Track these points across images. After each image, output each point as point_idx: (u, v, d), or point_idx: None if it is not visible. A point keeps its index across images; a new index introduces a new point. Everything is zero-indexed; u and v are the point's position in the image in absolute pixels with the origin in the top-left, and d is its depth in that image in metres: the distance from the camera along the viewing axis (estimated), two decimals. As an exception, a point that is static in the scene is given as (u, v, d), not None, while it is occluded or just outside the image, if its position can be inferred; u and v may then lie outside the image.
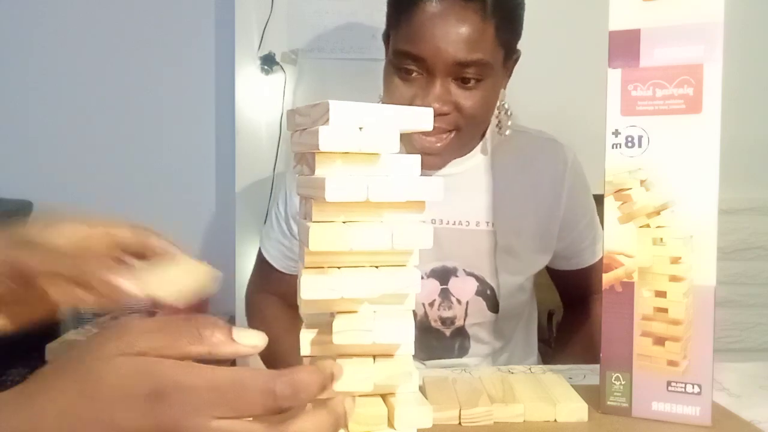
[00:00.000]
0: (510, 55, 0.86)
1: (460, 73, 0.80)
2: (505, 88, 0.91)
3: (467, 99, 0.81)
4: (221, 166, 1.92)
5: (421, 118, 0.44)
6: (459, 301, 0.92)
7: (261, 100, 1.69)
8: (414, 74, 0.81)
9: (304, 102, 0.47)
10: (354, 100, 0.42)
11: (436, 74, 0.79)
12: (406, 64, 0.81)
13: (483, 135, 0.93)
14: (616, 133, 0.57)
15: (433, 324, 0.93)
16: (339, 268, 0.43)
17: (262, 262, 1.02)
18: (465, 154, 0.92)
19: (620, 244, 0.57)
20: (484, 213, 0.92)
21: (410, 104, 0.82)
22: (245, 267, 1.73)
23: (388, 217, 0.43)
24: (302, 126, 0.46)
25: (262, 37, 1.66)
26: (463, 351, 0.94)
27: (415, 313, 0.91)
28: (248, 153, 1.70)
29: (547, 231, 0.94)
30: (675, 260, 0.55)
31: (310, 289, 0.41)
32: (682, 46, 0.54)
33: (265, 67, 1.65)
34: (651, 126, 0.55)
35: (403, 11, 0.81)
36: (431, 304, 0.92)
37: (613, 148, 0.57)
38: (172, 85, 1.90)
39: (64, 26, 1.88)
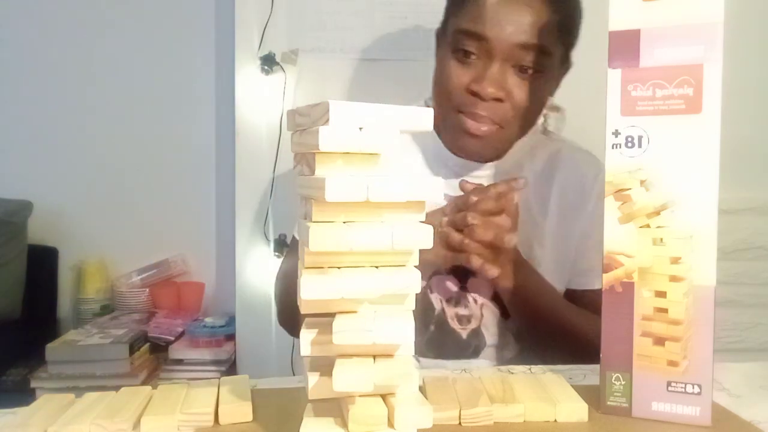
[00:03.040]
0: (565, 58, 0.86)
1: (520, 59, 0.80)
2: (552, 96, 0.90)
3: (521, 89, 0.81)
4: (221, 166, 1.92)
5: (421, 119, 0.44)
6: (476, 301, 0.92)
7: (261, 100, 1.69)
8: (472, 57, 0.81)
9: (304, 102, 0.47)
10: (354, 100, 0.42)
11: (495, 57, 0.79)
12: (466, 44, 0.80)
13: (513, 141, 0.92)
14: (616, 133, 0.57)
15: (450, 322, 0.92)
16: (339, 268, 0.43)
17: (293, 249, 1.00)
18: (497, 158, 0.91)
19: (620, 244, 0.57)
20: None
21: (466, 88, 0.82)
22: (245, 267, 1.73)
23: (388, 217, 0.43)
24: (302, 126, 0.46)
25: (262, 37, 1.66)
26: (476, 353, 0.93)
27: (433, 308, 0.92)
28: (248, 153, 1.70)
29: (567, 243, 0.92)
30: (675, 260, 0.55)
31: (310, 289, 0.41)
32: (682, 46, 0.54)
33: (265, 67, 1.65)
34: (651, 126, 0.55)
35: None
36: (449, 301, 0.92)
37: (613, 148, 0.57)
38: (173, 85, 1.90)
39: (64, 26, 1.88)
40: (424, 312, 0.92)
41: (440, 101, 0.86)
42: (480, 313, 0.92)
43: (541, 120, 0.93)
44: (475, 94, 0.81)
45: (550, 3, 0.80)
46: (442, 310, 0.93)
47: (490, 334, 0.94)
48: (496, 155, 0.90)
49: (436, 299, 0.93)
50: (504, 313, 0.92)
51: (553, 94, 0.90)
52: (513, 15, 0.78)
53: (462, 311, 0.92)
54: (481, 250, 0.75)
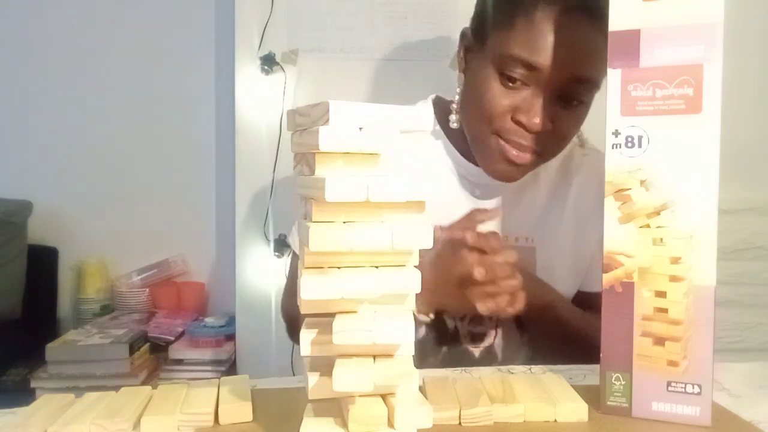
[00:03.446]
0: (600, 82, 0.80)
1: (569, 91, 0.75)
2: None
3: (565, 120, 0.77)
4: (221, 166, 1.92)
5: (421, 119, 0.44)
6: (491, 318, 0.89)
7: (261, 100, 1.69)
8: (518, 83, 0.75)
9: (304, 102, 0.47)
10: (354, 100, 0.42)
11: (544, 88, 0.75)
12: (514, 71, 0.74)
13: None
14: (616, 133, 0.57)
15: (463, 341, 0.90)
16: (339, 268, 0.43)
17: (295, 257, 0.99)
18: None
19: (620, 244, 0.57)
20: (525, 228, 0.89)
21: (510, 115, 0.77)
22: (245, 267, 1.73)
23: (388, 217, 0.43)
24: (302, 126, 0.46)
25: (262, 37, 1.66)
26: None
27: (446, 326, 0.90)
28: (248, 153, 1.70)
29: (582, 249, 0.91)
30: (675, 260, 0.55)
31: (310, 289, 0.41)
32: (682, 46, 0.54)
33: (265, 67, 1.65)
34: (651, 126, 0.55)
35: (521, 13, 0.74)
36: (462, 319, 0.90)
37: (613, 148, 0.57)
38: (173, 85, 1.90)
39: (64, 26, 1.88)
40: (438, 332, 0.90)
41: (476, 121, 0.81)
42: (495, 330, 0.90)
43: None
44: (520, 123, 0.77)
45: (601, 29, 0.71)
46: (455, 328, 0.90)
47: (503, 351, 0.91)
48: (525, 174, 0.87)
49: (449, 318, 0.90)
50: (520, 327, 0.90)
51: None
52: (568, 44, 0.72)
53: (476, 329, 0.90)
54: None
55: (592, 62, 0.73)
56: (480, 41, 0.81)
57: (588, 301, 0.90)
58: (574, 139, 0.89)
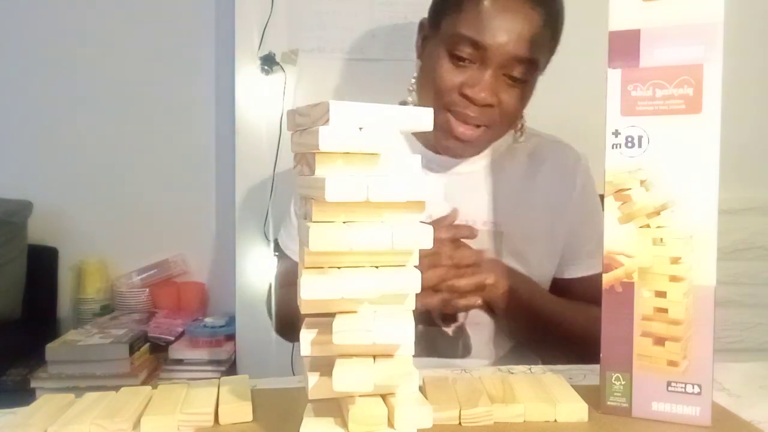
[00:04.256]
0: (546, 65, 0.89)
1: (512, 69, 0.83)
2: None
3: (510, 96, 0.84)
4: (221, 166, 1.92)
5: (421, 118, 0.44)
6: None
7: (261, 100, 1.69)
8: (466, 61, 0.83)
9: (304, 102, 0.47)
10: (354, 100, 0.42)
11: (490, 65, 0.82)
12: (462, 50, 0.82)
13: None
14: (616, 133, 0.57)
15: (436, 322, 0.93)
16: (339, 268, 0.43)
17: (283, 257, 1.03)
18: (477, 154, 0.94)
19: (620, 244, 0.57)
20: (491, 214, 0.93)
21: (458, 90, 0.84)
22: (245, 267, 1.73)
23: (388, 217, 0.43)
24: (302, 126, 0.46)
25: (262, 37, 1.66)
26: (466, 351, 0.94)
27: (418, 309, 0.92)
28: (248, 153, 1.70)
29: (555, 235, 0.94)
30: (675, 260, 0.55)
31: (310, 289, 0.41)
32: (682, 46, 0.54)
33: (265, 67, 1.65)
34: (651, 126, 0.55)
35: None
36: None
37: (613, 148, 0.57)
38: (173, 85, 1.90)
39: (64, 27, 1.88)
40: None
41: (427, 98, 0.88)
42: (465, 312, 0.92)
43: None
44: (467, 97, 0.84)
45: (544, 16, 0.82)
46: (427, 310, 0.92)
47: (478, 331, 0.94)
48: (476, 153, 0.94)
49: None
50: (490, 311, 0.93)
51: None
52: (512, 26, 0.80)
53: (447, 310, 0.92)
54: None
55: (534, 44, 0.81)
56: (435, 28, 0.88)
57: (567, 288, 0.95)
58: (513, 132, 0.95)
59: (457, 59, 0.83)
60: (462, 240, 0.83)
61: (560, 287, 0.96)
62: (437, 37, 0.87)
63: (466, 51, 0.82)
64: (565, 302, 0.93)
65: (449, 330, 0.93)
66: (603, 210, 0.95)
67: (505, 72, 0.83)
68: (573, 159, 0.96)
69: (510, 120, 0.89)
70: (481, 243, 0.90)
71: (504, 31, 0.80)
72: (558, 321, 0.90)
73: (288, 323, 0.95)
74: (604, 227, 0.93)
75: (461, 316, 0.92)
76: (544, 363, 1.03)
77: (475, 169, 0.95)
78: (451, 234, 0.82)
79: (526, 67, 0.83)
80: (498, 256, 0.91)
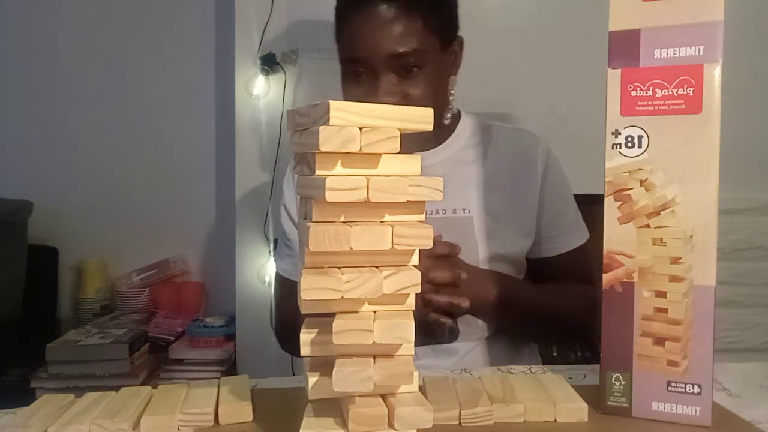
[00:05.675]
0: (448, 42, 0.92)
1: (400, 65, 0.87)
2: (455, 75, 0.97)
3: (413, 87, 0.88)
4: (221, 166, 1.92)
5: (421, 118, 0.44)
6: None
7: (261, 100, 1.69)
8: (363, 75, 0.89)
9: (304, 102, 0.47)
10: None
11: (379, 70, 0.87)
12: (352, 67, 0.90)
13: (455, 127, 1.00)
14: (616, 133, 0.57)
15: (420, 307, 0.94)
16: (339, 268, 0.43)
17: (281, 279, 1.07)
18: (437, 146, 0.98)
19: (620, 244, 0.57)
20: (462, 201, 0.96)
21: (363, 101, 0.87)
22: (245, 267, 1.73)
23: (388, 217, 0.43)
24: (302, 126, 0.46)
25: (262, 37, 1.66)
26: (453, 336, 0.95)
27: None
28: (248, 153, 1.70)
29: (526, 216, 0.98)
30: (675, 260, 0.55)
31: (310, 289, 0.41)
32: (682, 46, 0.54)
33: (265, 67, 1.65)
34: (651, 126, 0.55)
35: (341, 24, 0.92)
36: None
37: (613, 148, 0.57)
38: (173, 85, 1.90)
39: (64, 27, 1.88)
40: None
41: None
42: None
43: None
44: None
45: (406, 8, 0.86)
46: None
47: (464, 316, 0.94)
48: (435, 145, 0.98)
49: None
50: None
51: (455, 73, 0.97)
52: (378, 32, 0.86)
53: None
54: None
55: (402, 36, 0.86)
56: (340, 56, 0.95)
57: (549, 267, 1.00)
58: (453, 110, 0.99)
59: (354, 76, 0.90)
60: (443, 256, 0.84)
61: (542, 266, 1.01)
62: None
63: (353, 68, 0.89)
64: (546, 289, 0.98)
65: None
66: (571, 193, 1.00)
67: (394, 70, 0.87)
68: (533, 141, 1.00)
69: (429, 101, 0.90)
70: (456, 228, 0.93)
71: (371, 38, 0.86)
72: (542, 310, 0.94)
73: (293, 340, 0.96)
74: (573, 210, 0.96)
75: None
76: (540, 353, 1.08)
77: (441, 159, 0.98)
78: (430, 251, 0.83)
79: (413, 57, 0.86)
80: (471, 239, 0.94)
